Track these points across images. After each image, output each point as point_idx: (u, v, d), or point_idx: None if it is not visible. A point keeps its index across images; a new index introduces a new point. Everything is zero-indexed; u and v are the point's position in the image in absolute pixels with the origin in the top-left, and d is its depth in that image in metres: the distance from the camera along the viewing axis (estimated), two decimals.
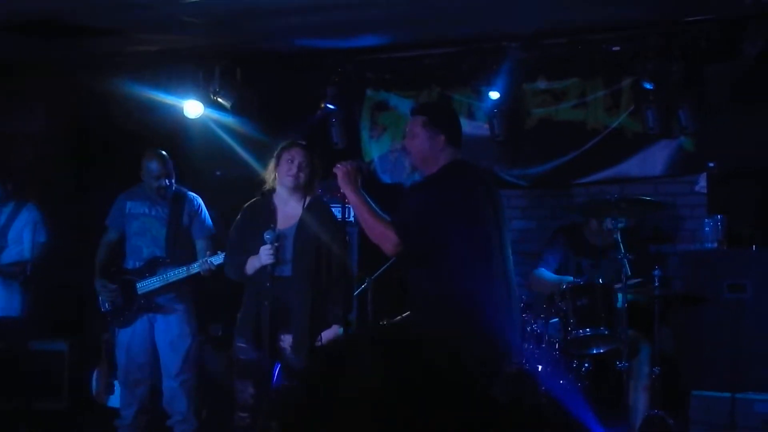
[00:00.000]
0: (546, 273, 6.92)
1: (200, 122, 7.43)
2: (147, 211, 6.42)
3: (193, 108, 7.32)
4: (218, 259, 6.04)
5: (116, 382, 6.90)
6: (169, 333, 6.32)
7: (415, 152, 4.99)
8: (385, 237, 4.77)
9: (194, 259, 6.24)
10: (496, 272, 4.87)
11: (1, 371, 6.66)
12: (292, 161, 5.51)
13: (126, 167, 6.78)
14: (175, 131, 7.45)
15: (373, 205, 4.86)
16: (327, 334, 5.41)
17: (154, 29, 6.84)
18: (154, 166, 6.31)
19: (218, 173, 7.45)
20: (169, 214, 6.40)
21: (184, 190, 6.52)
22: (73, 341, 7.36)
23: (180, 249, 6.36)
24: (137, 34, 6.96)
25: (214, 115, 7.43)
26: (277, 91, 7.82)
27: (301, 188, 5.56)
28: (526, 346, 6.39)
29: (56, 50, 7.08)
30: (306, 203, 5.53)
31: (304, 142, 5.67)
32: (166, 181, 6.34)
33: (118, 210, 6.48)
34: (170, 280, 6.23)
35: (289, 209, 5.58)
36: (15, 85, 7.45)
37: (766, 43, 6.53)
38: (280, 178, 5.54)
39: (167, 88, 7.34)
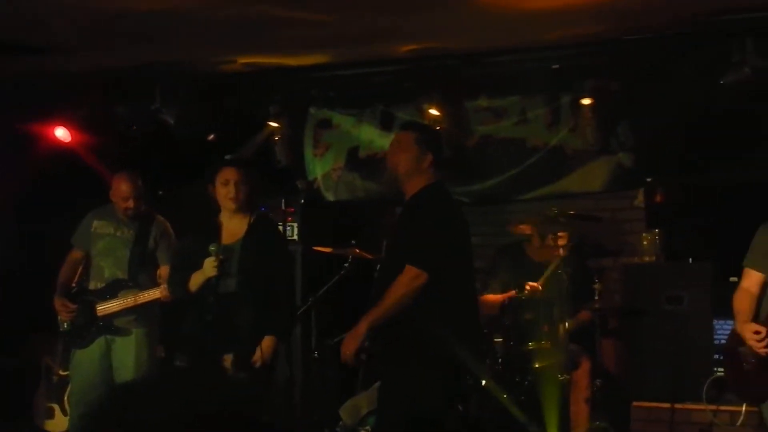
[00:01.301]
0: (491, 296, 6.99)
1: (142, 140, 7.41)
2: (113, 231, 6.34)
3: (133, 126, 7.31)
4: None
5: (56, 406, 6.85)
6: (127, 356, 6.23)
7: (400, 166, 5.07)
8: (413, 284, 4.82)
9: (157, 284, 6.18)
10: (472, 290, 5.13)
11: None
12: (227, 183, 5.49)
13: (67, 186, 6.74)
14: (118, 149, 7.40)
15: (374, 304, 4.90)
16: (265, 344, 5.38)
17: (92, 47, 6.78)
18: (123, 186, 6.22)
19: (161, 192, 7.40)
20: (135, 237, 6.32)
21: (154, 212, 6.42)
22: (15, 364, 7.31)
23: (143, 273, 6.27)
24: (78, 53, 6.88)
25: (156, 132, 7.40)
26: (220, 109, 7.80)
27: (243, 206, 5.54)
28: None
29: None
30: (251, 220, 5.52)
31: (236, 160, 5.66)
32: (135, 202, 6.24)
33: (84, 228, 6.39)
34: (130, 305, 6.17)
35: (233, 226, 5.56)
36: None
37: (701, 60, 6.66)
38: (219, 200, 5.52)
39: (110, 106, 7.32)
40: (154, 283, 6.18)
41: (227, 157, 5.71)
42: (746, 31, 6.37)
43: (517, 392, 6.39)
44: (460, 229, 5.09)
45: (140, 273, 6.25)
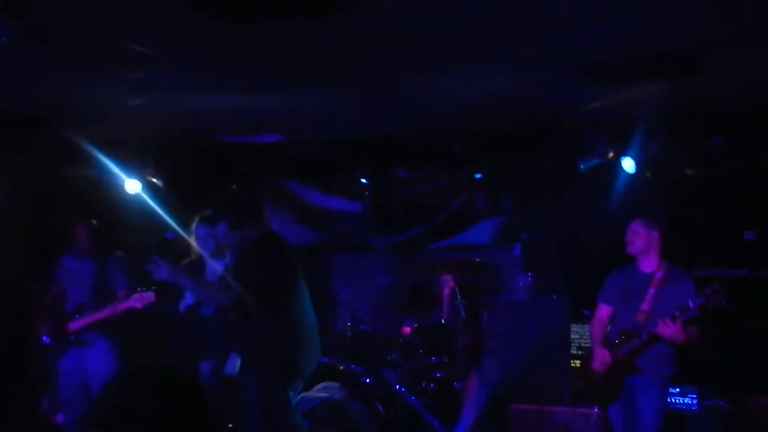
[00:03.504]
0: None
1: (139, 197, 8.01)
2: (77, 266, 6.85)
3: (132, 186, 7.98)
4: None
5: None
6: (98, 362, 6.66)
7: (236, 240, 5.55)
8: (222, 297, 5.46)
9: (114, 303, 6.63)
10: (303, 313, 5.56)
11: None
12: (199, 238, 6.23)
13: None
14: (116, 205, 8.01)
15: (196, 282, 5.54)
16: (231, 360, 5.84)
17: (102, 122, 7.31)
18: (81, 232, 6.85)
19: (169, 235, 7.42)
20: (94, 269, 6.82)
21: (112, 250, 6.93)
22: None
23: (102, 297, 6.76)
24: (90, 127, 7.40)
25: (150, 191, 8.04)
26: (198, 174, 8.46)
27: (217, 253, 6.22)
28: (388, 372, 7.31)
29: (29, 140, 7.50)
30: (227, 262, 6.09)
31: (206, 218, 6.18)
32: (90, 242, 6.82)
33: (60, 267, 6.91)
34: (92, 320, 6.65)
35: (215, 265, 6.29)
36: None
37: (563, 146, 7.53)
38: (200, 250, 6.26)
39: (112, 171, 7.85)
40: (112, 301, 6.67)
41: (199, 216, 6.25)
42: (600, 126, 7.26)
43: (423, 395, 7.18)
44: (288, 264, 5.45)
45: (100, 297, 6.77)
